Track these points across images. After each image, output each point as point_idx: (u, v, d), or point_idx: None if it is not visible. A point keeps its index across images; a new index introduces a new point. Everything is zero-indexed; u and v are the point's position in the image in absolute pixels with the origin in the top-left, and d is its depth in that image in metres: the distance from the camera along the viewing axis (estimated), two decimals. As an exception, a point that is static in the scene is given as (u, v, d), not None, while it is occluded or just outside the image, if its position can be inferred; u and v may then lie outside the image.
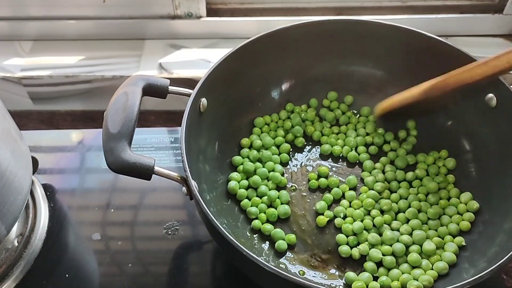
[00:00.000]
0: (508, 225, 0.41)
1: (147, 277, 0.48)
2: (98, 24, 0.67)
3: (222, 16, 0.68)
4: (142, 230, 0.51)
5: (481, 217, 0.45)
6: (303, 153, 0.53)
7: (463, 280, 0.34)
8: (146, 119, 0.68)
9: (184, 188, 0.39)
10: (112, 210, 0.52)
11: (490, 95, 0.45)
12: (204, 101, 0.45)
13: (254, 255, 0.35)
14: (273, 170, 0.49)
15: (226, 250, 0.40)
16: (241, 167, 0.49)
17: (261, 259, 0.35)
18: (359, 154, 0.52)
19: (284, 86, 0.54)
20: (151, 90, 0.42)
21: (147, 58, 0.67)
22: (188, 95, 0.43)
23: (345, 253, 0.44)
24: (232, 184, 0.48)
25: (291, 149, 0.52)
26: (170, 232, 0.50)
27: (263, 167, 0.49)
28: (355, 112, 0.55)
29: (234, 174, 0.49)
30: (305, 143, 0.53)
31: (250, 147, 0.52)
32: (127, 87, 0.41)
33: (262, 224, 0.46)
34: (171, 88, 0.43)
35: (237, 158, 0.50)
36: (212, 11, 0.68)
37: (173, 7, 0.66)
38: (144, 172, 0.37)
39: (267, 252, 0.45)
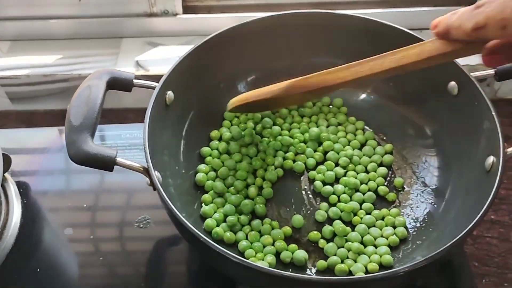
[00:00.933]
0: (465, 204, 0.42)
1: (120, 269, 0.48)
2: (75, 23, 0.67)
3: (199, 13, 0.69)
4: (114, 224, 0.51)
5: (441, 197, 0.46)
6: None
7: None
8: (125, 116, 0.68)
9: (147, 179, 0.40)
10: (85, 205, 0.53)
11: (452, 83, 0.46)
12: (170, 94, 0.46)
13: (216, 244, 0.35)
14: (241, 161, 0.50)
15: (190, 241, 0.40)
16: (209, 159, 0.50)
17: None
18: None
19: (252, 79, 0.54)
20: (116, 83, 0.43)
21: (124, 56, 0.67)
22: (153, 88, 0.44)
23: None
24: (200, 176, 0.48)
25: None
26: (142, 226, 0.51)
27: (231, 158, 0.50)
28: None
29: (202, 166, 0.49)
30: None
31: (220, 139, 0.52)
32: (91, 81, 0.41)
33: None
34: (136, 81, 0.44)
35: (205, 149, 0.50)
36: (188, 8, 0.69)
37: (149, 5, 0.67)
38: (106, 163, 0.38)
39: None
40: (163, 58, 0.66)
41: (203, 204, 0.46)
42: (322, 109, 0.55)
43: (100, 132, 0.60)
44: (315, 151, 0.51)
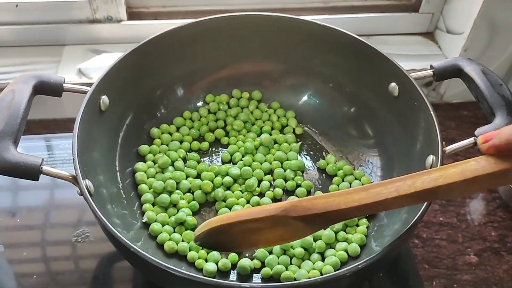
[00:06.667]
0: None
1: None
2: (13, 29, 0.64)
3: (144, 20, 0.67)
4: (51, 240, 0.48)
5: None
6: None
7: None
8: (68, 127, 0.65)
9: (77, 189, 0.37)
10: (19, 220, 0.49)
11: (393, 84, 0.46)
12: (105, 99, 0.44)
13: (143, 252, 0.33)
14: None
15: (122, 252, 0.38)
16: (150, 156, 0.49)
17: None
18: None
19: (190, 84, 0.53)
20: (44, 87, 0.41)
21: (66, 63, 0.64)
22: (85, 92, 0.41)
23: None
24: (139, 176, 0.47)
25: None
26: (80, 240, 0.48)
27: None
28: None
29: (139, 165, 0.48)
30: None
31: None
32: (15, 85, 0.39)
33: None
34: (66, 85, 0.41)
35: (144, 148, 0.49)
36: (134, 15, 0.67)
37: (92, 11, 0.65)
38: (29, 172, 0.35)
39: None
40: (107, 66, 0.64)
41: (143, 207, 0.45)
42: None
43: (44, 143, 0.58)
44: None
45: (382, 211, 0.33)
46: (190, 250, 0.42)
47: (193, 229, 0.44)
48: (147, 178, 0.47)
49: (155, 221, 0.44)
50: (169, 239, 0.43)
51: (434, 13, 0.67)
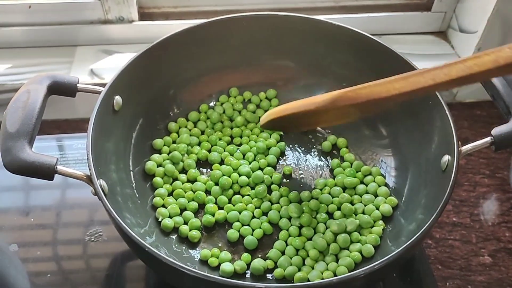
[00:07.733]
0: (422, 204, 0.41)
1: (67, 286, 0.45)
2: (25, 31, 0.65)
3: (156, 20, 0.67)
4: (64, 239, 0.49)
5: (399, 198, 0.46)
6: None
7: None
8: (81, 127, 0.66)
9: (92, 189, 0.37)
10: (32, 219, 0.50)
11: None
12: (118, 99, 0.44)
13: (158, 252, 0.33)
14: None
15: (136, 252, 0.38)
16: (166, 148, 0.49)
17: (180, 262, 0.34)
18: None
19: (203, 84, 0.53)
20: (59, 88, 0.41)
21: (78, 64, 0.65)
22: (99, 92, 0.42)
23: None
24: (150, 164, 0.47)
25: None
26: (93, 239, 0.48)
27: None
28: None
29: (155, 156, 0.48)
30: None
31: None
32: (30, 86, 0.39)
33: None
34: (80, 85, 0.42)
35: (158, 141, 0.49)
36: (145, 15, 0.68)
37: (104, 11, 0.65)
38: (44, 171, 0.36)
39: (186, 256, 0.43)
40: (119, 66, 0.64)
41: (155, 199, 0.46)
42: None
43: (57, 143, 0.58)
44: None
45: (420, 96, 0.35)
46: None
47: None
48: (157, 167, 0.48)
49: (168, 217, 0.44)
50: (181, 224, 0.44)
51: (447, 12, 0.67)
